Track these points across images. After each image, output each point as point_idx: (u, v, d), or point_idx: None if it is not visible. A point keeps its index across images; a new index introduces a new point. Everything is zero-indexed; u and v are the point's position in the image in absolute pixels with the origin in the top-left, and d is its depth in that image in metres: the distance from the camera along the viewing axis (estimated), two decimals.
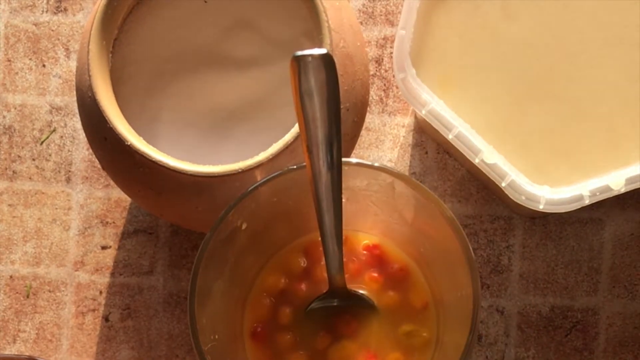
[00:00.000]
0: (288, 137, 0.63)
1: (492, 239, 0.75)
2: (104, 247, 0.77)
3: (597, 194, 0.65)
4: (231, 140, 0.67)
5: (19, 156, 0.77)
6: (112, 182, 0.76)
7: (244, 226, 0.64)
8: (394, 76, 0.72)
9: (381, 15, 0.77)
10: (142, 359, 0.75)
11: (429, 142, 0.76)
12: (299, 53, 0.54)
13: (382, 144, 0.76)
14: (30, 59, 0.78)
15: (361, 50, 0.67)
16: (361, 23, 0.77)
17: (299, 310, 0.68)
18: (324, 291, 0.67)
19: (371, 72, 0.76)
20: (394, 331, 0.67)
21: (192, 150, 0.67)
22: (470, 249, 0.61)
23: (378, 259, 0.69)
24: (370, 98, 0.76)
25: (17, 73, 0.78)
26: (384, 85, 0.77)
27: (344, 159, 0.59)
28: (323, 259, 0.64)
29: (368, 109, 0.76)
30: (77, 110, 0.70)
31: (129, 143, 0.63)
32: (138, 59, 0.68)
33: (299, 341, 0.68)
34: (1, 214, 0.77)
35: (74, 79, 0.74)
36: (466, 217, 0.75)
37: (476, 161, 0.66)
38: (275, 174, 0.62)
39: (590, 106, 0.67)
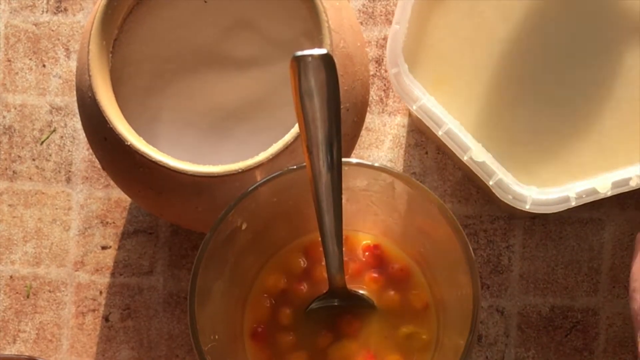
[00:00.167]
0: (288, 137, 0.63)
1: (492, 239, 0.75)
2: (104, 247, 0.77)
3: (584, 196, 0.65)
4: (231, 141, 0.67)
5: (19, 156, 0.77)
6: (112, 182, 0.76)
7: (244, 226, 0.64)
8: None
9: (381, 15, 0.77)
10: (142, 359, 0.75)
11: (429, 142, 0.76)
12: (299, 53, 0.54)
13: (382, 144, 0.76)
14: (30, 59, 0.78)
15: (361, 50, 0.67)
16: (361, 23, 0.77)
17: (299, 311, 0.68)
18: (324, 291, 0.67)
19: (371, 72, 0.76)
20: (394, 332, 0.67)
21: (192, 150, 0.67)
22: (470, 249, 0.61)
23: (378, 259, 0.69)
24: (370, 98, 0.76)
25: (17, 73, 0.78)
26: (384, 85, 0.77)
27: (344, 159, 0.59)
28: (323, 259, 0.64)
29: (368, 109, 0.76)
30: (77, 110, 0.70)
31: (129, 143, 0.63)
32: (138, 59, 0.68)
33: (299, 341, 0.68)
34: (1, 214, 0.77)
35: (74, 79, 0.74)
36: (466, 217, 0.75)
37: (465, 158, 0.66)
38: (275, 174, 0.62)
39: (580, 109, 0.67)
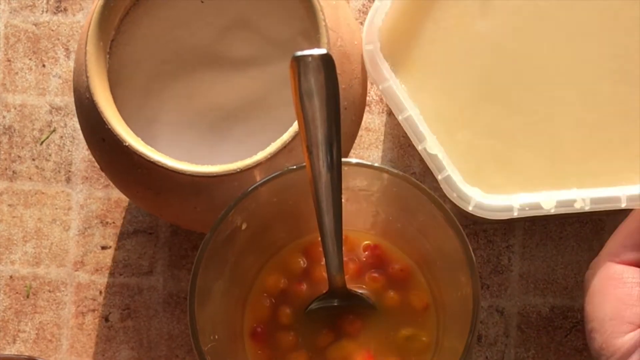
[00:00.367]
0: (286, 136, 0.62)
1: (492, 239, 0.75)
2: (103, 247, 0.77)
3: (527, 209, 0.65)
4: (229, 140, 0.67)
5: (19, 156, 0.77)
6: (111, 182, 0.76)
7: (243, 226, 0.64)
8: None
9: None
10: (142, 359, 0.75)
11: None
12: (299, 53, 0.54)
13: (382, 144, 0.76)
14: (30, 59, 0.78)
15: (358, 48, 0.67)
16: (361, 23, 0.77)
17: (299, 311, 0.68)
18: (324, 291, 0.67)
19: None
20: (394, 334, 0.67)
21: (190, 151, 0.67)
22: (470, 249, 0.61)
23: (378, 259, 0.69)
24: (370, 98, 0.76)
25: (17, 73, 0.78)
26: None
27: (343, 159, 0.59)
28: (323, 259, 0.64)
29: (368, 108, 0.76)
30: None
31: (127, 144, 0.63)
32: (136, 59, 0.68)
33: (299, 341, 0.68)
34: (1, 214, 0.77)
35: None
36: (466, 218, 0.75)
37: (419, 148, 0.66)
38: (275, 174, 0.62)
39: (541, 121, 0.67)
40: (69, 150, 0.77)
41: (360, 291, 0.67)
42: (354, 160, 0.62)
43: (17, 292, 0.77)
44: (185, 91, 0.68)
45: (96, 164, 0.76)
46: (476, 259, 0.63)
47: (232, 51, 0.68)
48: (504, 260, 0.75)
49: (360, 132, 0.75)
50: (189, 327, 0.61)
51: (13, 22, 0.78)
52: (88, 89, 0.64)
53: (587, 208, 0.65)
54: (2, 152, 0.77)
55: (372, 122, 0.77)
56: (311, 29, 0.64)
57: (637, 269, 0.64)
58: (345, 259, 0.66)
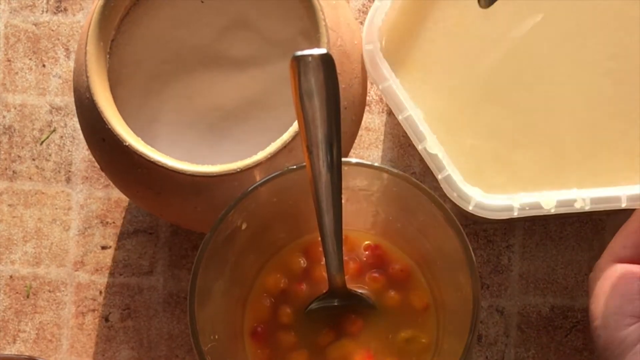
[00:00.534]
0: (286, 136, 0.63)
1: (492, 239, 0.75)
2: (103, 247, 0.77)
3: (527, 208, 0.65)
4: (229, 140, 0.67)
5: (19, 156, 0.77)
6: (112, 182, 0.76)
7: (244, 226, 0.64)
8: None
9: None
10: (142, 359, 0.75)
11: None
12: (299, 53, 0.54)
13: (382, 144, 0.76)
14: (30, 59, 0.78)
15: (358, 48, 0.67)
16: (361, 23, 0.77)
17: (299, 310, 0.68)
18: (324, 291, 0.67)
19: None
20: (394, 335, 0.67)
21: (190, 151, 0.67)
22: (470, 249, 0.61)
23: (379, 259, 0.69)
24: (370, 98, 0.76)
25: (17, 73, 0.78)
26: None
27: (343, 159, 0.59)
28: (323, 258, 0.64)
29: (368, 108, 0.76)
30: None
31: (127, 144, 0.63)
32: (136, 59, 0.68)
33: (300, 341, 0.68)
34: (1, 214, 0.77)
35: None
36: (466, 217, 0.75)
37: (419, 147, 0.66)
38: (275, 174, 0.62)
39: (542, 122, 0.67)
40: (69, 150, 0.77)
41: (360, 291, 0.67)
42: (354, 160, 0.62)
43: (17, 292, 0.77)
44: (185, 91, 0.68)
45: (96, 164, 0.76)
46: (476, 259, 0.63)
47: (232, 51, 0.68)
48: (504, 260, 0.75)
49: (360, 132, 0.75)
50: (189, 327, 0.61)
51: (13, 22, 0.78)
52: (88, 89, 0.64)
53: (587, 208, 0.65)
54: (2, 152, 0.77)
55: (372, 121, 0.77)
56: (311, 29, 0.64)
57: (637, 265, 0.64)
58: (345, 258, 0.66)
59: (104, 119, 0.63)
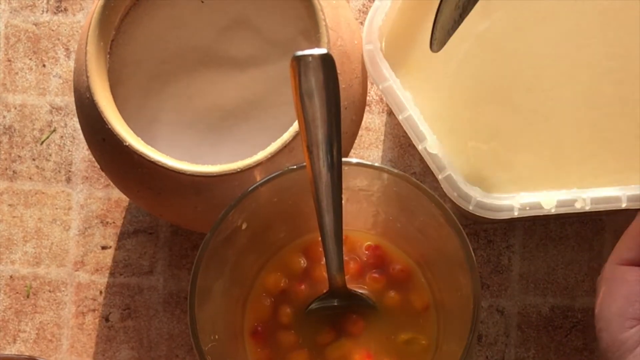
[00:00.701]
0: (286, 136, 0.63)
1: (492, 239, 0.75)
2: (104, 247, 0.77)
3: (527, 208, 0.65)
4: (230, 140, 0.67)
5: (19, 156, 0.77)
6: (112, 182, 0.76)
7: (244, 226, 0.64)
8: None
9: None
10: (142, 359, 0.75)
11: None
12: (299, 53, 0.54)
13: (382, 144, 0.76)
14: (30, 59, 0.78)
15: (358, 48, 0.67)
16: (361, 23, 0.77)
17: (300, 310, 0.68)
18: (324, 291, 0.67)
19: None
20: (393, 336, 0.67)
21: (190, 151, 0.67)
22: (470, 249, 0.61)
23: (379, 259, 0.69)
24: (371, 98, 0.76)
25: (17, 73, 0.78)
26: None
27: (344, 159, 0.59)
28: (323, 258, 0.64)
29: (368, 108, 0.76)
30: None
31: (127, 143, 0.63)
32: (136, 59, 0.68)
33: (300, 341, 0.68)
34: (1, 214, 0.77)
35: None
36: (466, 217, 0.75)
37: (419, 147, 0.66)
38: (275, 173, 0.62)
39: (542, 121, 0.67)
40: (69, 150, 0.77)
41: (360, 291, 0.67)
42: (354, 160, 0.62)
43: (17, 292, 0.77)
44: (186, 91, 0.68)
45: (96, 164, 0.76)
46: (476, 259, 0.63)
47: (232, 51, 0.68)
48: (504, 260, 0.75)
49: (360, 132, 0.75)
50: (189, 327, 0.61)
51: (13, 22, 0.78)
52: (88, 88, 0.64)
53: (587, 208, 0.65)
54: (3, 152, 0.77)
55: (372, 121, 0.77)
56: (311, 29, 0.64)
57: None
58: (345, 258, 0.66)
59: (104, 119, 0.63)
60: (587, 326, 0.74)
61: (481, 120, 0.67)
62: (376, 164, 0.62)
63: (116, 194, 0.77)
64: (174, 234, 0.76)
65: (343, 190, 0.59)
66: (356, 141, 0.75)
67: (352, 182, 0.64)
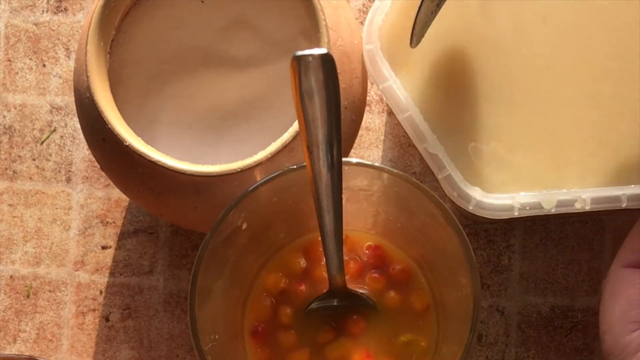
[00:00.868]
0: (286, 136, 0.63)
1: (492, 239, 0.75)
2: (104, 247, 0.77)
3: (527, 208, 0.65)
4: (230, 140, 0.67)
5: (19, 156, 0.77)
6: (112, 182, 0.76)
7: (244, 226, 0.64)
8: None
9: None
10: (142, 359, 0.75)
11: None
12: (300, 53, 0.54)
13: (382, 143, 0.76)
14: (30, 59, 0.78)
15: (359, 48, 0.67)
16: (361, 23, 0.77)
17: (300, 310, 0.68)
18: (324, 291, 0.67)
19: None
20: (393, 337, 0.67)
21: (190, 150, 0.67)
22: (471, 249, 0.61)
23: (380, 259, 0.69)
24: (371, 98, 0.76)
25: (17, 73, 0.78)
26: None
27: (344, 159, 0.59)
28: (323, 258, 0.64)
29: (368, 108, 0.76)
30: None
31: (127, 143, 0.63)
32: (136, 59, 0.68)
33: (300, 340, 0.68)
34: (1, 214, 0.77)
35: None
36: (466, 217, 0.75)
37: (420, 147, 0.66)
38: (275, 173, 0.62)
39: (542, 121, 0.67)
40: (69, 150, 0.77)
41: (360, 291, 0.67)
42: (354, 159, 0.62)
43: (17, 292, 0.77)
44: (186, 91, 0.68)
45: (96, 164, 0.76)
46: (476, 259, 0.63)
47: (232, 51, 0.68)
48: (504, 260, 0.75)
49: (360, 132, 0.75)
50: (189, 327, 0.61)
51: (13, 22, 0.78)
52: (88, 88, 0.64)
53: (587, 208, 0.65)
54: (3, 152, 0.77)
55: (372, 121, 0.77)
56: (311, 29, 0.64)
57: None
58: (345, 258, 0.66)
59: (104, 119, 0.63)
60: (587, 326, 0.74)
61: (481, 119, 0.67)
62: (376, 164, 0.62)
63: (116, 193, 0.77)
64: (174, 234, 0.76)
65: (343, 190, 0.59)
66: (356, 141, 0.75)
67: (352, 182, 0.64)
